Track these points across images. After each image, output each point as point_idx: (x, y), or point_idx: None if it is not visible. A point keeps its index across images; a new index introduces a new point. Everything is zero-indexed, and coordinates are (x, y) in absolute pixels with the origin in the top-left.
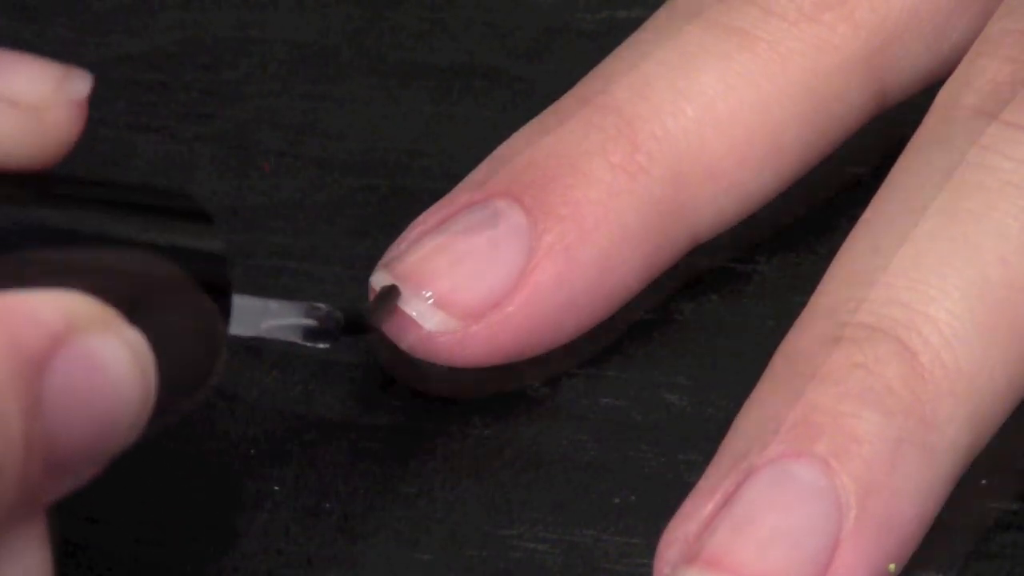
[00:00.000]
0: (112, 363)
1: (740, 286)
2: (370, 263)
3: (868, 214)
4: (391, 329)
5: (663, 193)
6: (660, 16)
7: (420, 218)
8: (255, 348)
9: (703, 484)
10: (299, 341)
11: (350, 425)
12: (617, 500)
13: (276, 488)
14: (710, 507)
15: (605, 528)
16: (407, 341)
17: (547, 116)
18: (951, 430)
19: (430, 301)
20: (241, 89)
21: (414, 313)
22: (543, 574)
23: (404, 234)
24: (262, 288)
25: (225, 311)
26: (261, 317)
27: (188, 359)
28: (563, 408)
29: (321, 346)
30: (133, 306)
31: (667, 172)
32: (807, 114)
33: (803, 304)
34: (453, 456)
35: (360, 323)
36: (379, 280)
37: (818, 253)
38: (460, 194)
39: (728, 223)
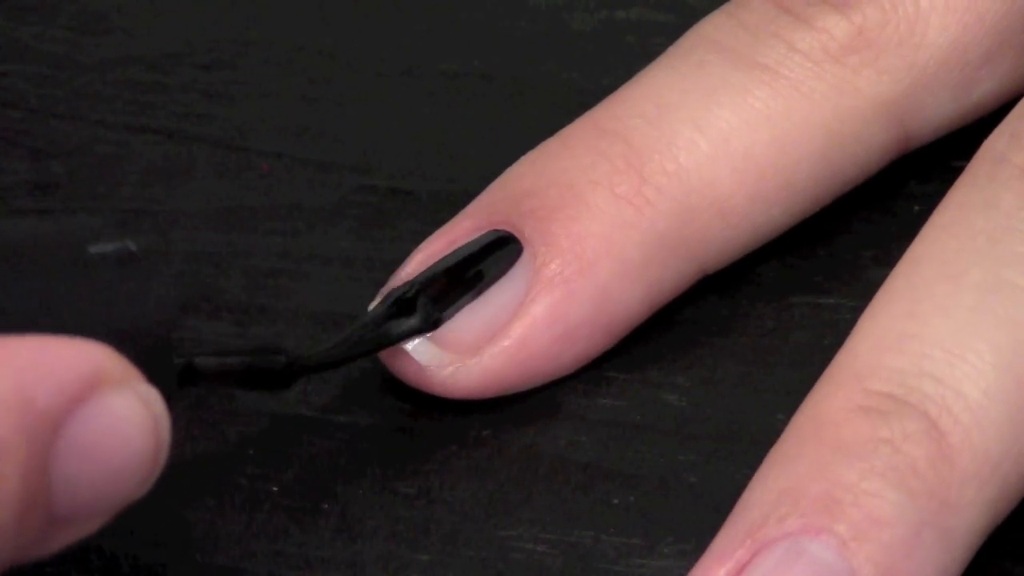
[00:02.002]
0: (129, 420)
1: (740, 286)
2: (369, 264)
3: (903, 269)
4: (387, 360)
5: (668, 227)
6: (684, 42)
7: (423, 244)
8: None
9: (716, 547)
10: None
11: (350, 425)
12: (616, 501)
13: (276, 488)
14: (721, 574)
15: (604, 529)
16: (402, 374)
17: (557, 140)
18: (972, 513)
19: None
20: (240, 90)
21: (408, 347)
22: (542, 575)
23: (407, 260)
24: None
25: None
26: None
27: None
28: (562, 408)
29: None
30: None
31: (675, 206)
32: (823, 153)
33: (803, 304)
34: (453, 456)
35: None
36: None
37: (817, 255)
38: (463, 219)
39: (736, 256)
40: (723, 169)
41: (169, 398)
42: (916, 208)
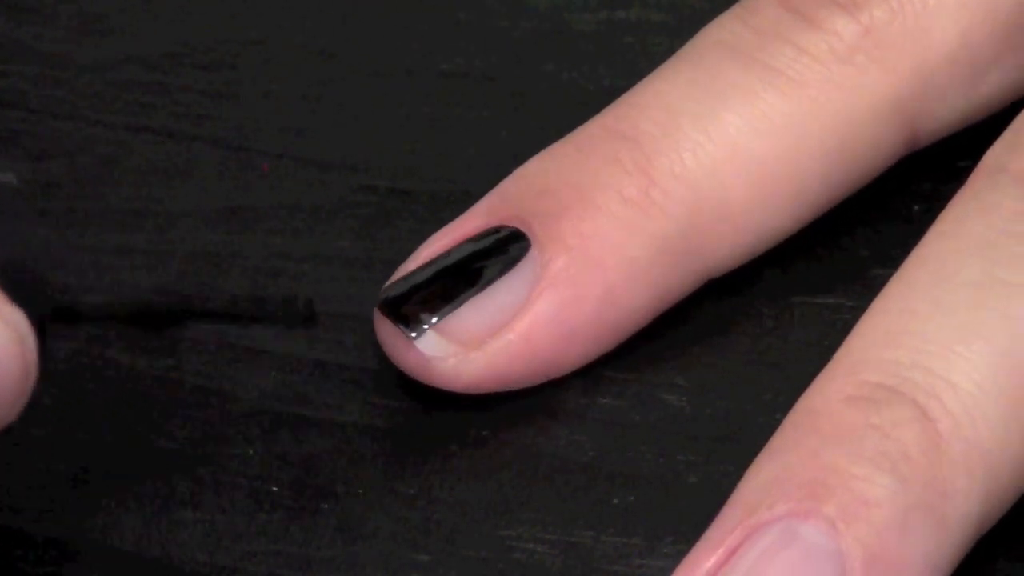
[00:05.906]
0: None
1: (740, 286)
2: (369, 264)
3: (902, 272)
4: (391, 351)
5: (675, 230)
6: (694, 46)
7: (429, 240)
8: (255, 348)
9: (710, 535)
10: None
11: (350, 425)
12: (616, 501)
13: (276, 488)
14: (713, 560)
15: (604, 529)
16: (406, 364)
17: (568, 142)
18: (964, 502)
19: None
20: (240, 90)
21: (413, 335)
22: (542, 575)
23: (413, 256)
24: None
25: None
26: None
27: None
28: (562, 408)
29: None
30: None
31: (682, 210)
32: (833, 159)
33: (803, 304)
34: (452, 456)
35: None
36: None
37: (817, 255)
38: (472, 218)
39: (743, 260)
40: (731, 174)
41: (43, 332)
42: (916, 207)
